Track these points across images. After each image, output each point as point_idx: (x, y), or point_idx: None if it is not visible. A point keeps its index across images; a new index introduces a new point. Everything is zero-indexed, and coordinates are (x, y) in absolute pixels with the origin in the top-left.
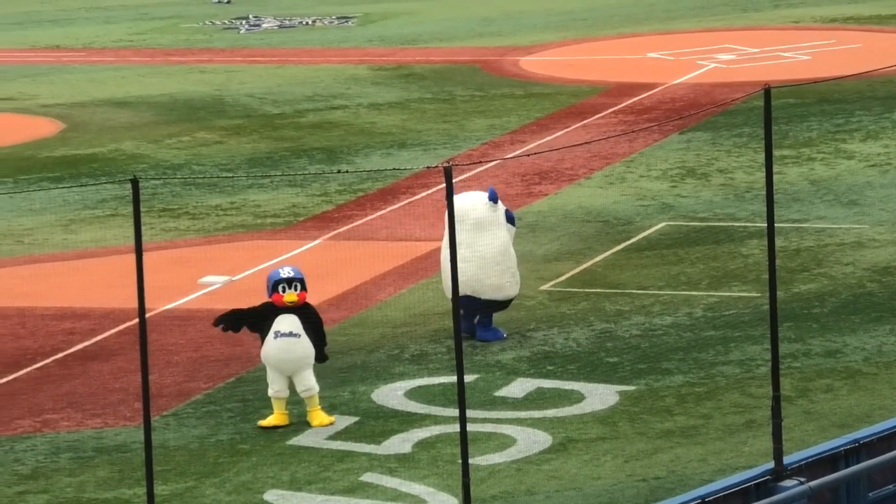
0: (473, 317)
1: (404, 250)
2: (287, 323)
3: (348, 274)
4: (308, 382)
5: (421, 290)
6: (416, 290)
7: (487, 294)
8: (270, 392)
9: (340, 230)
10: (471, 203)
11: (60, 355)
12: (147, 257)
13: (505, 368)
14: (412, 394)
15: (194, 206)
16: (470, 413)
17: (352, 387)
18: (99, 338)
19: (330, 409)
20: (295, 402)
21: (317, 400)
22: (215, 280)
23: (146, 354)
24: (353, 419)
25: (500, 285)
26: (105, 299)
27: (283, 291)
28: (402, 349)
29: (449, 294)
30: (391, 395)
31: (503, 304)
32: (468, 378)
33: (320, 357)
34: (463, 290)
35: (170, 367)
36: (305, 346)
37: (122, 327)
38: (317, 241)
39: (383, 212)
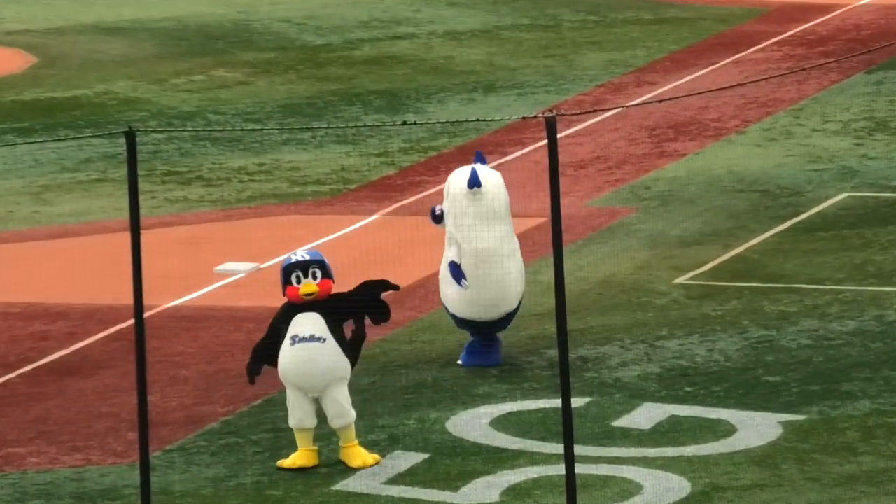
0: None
1: None
2: (306, 324)
3: (415, 260)
4: (339, 406)
5: None
6: None
7: (482, 314)
8: (291, 422)
9: (405, 202)
10: (457, 185)
11: (28, 368)
12: (146, 237)
13: (627, 389)
14: (501, 423)
15: (210, 169)
16: (579, 450)
17: (420, 412)
18: (80, 345)
19: (391, 442)
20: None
21: (353, 432)
22: (237, 268)
23: (144, 367)
24: (422, 456)
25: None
26: (89, 293)
27: (298, 282)
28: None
29: (452, 308)
30: (473, 424)
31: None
32: (578, 402)
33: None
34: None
35: (175, 385)
36: (333, 354)
37: (111, 331)
38: (373, 217)
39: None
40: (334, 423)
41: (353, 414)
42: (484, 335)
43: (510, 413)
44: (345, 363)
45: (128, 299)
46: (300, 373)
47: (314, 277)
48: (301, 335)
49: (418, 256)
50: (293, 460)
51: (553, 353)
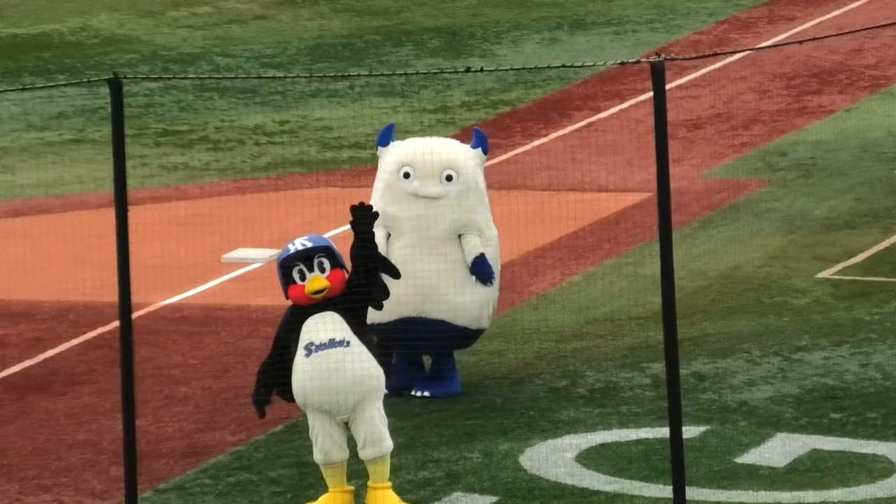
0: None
1: (579, 207)
2: (322, 327)
3: None
4: (373, 429)
5: (607, 276)
6: (599, 277)
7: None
8: (317, 456)
9: None
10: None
11: None
12: (136, 215)
13: (755, 415)
14: (591, 457)
15: (217, 129)
16: (693, 493)
17: (486, 442)
18: (49, 353)
19: (448, 481)
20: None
21: (387, 469)
22: (251, 256)
23: (132, 383)
24: (489, 500)
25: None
26: (60, 287)
27: (302, 278)
28: (573, 378)
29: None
30: (554, 458)
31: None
32: (691, 432)
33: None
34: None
35: (172, 406)
36: (362, 360)
37: (89, 336)
38: None
39: (542, 140)
40: (366, 452)
41: (389, 442)
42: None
43: (603, 445)
44: (377, 370)
45: (111, 295)
46: (322, 389)
47: (321, 270)
48: (317, 342)
49: None
50: None
51: (659, 367)
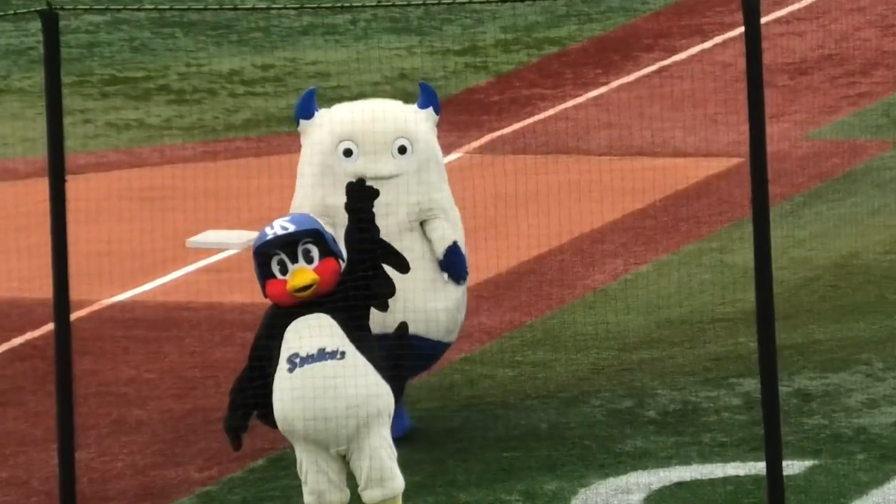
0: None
1: (648, 176)
2: (309, 333)
3: (524, 228)
4: (378, 464)
5: (685, 266)
6: (674, 267)
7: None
8: (308, 498)
9: (505, 131)
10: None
11: None
12: (76, 187)
13: (877, 446)
14: (664, 500)
15: (181, 75)
16: None
17: (528, 481)
18: None
19: None
20: None
21: None
22: (224, 240)
23: (70, 404)
24: None
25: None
26: None
27: (283, 271)
28: (640, 398)
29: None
30: (617, 502)
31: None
32: (794, 467)
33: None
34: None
35: (123, 434)
36: (362, 375)
37: (14, 343)
38: (454, 156)
39: (601, 90)
40: (370, 493)
41: (400, 481)
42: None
43: (679, 485)
44: (383, 389)
45: (44, 291)
46: (311, 414)
47: (308, 260)
48: (304, 353)
49: (525, 220)
50: None
51: (752, 384)
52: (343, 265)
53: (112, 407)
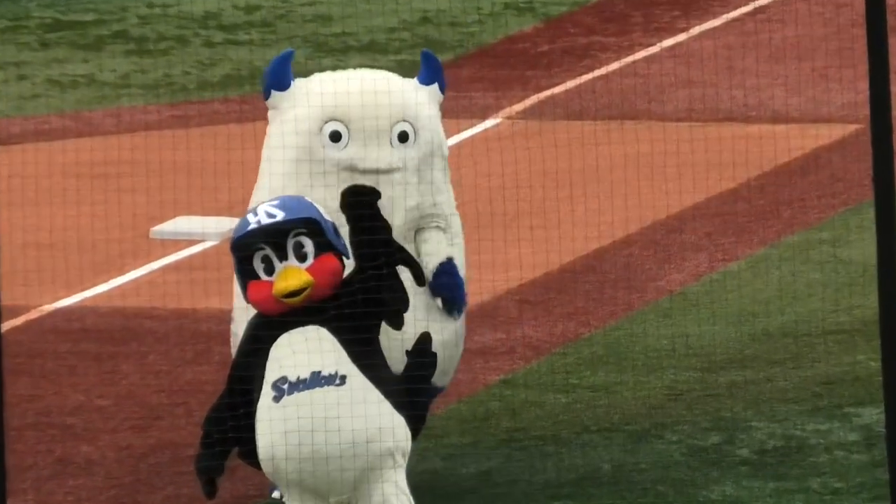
0: None
1: (739, 148)
2: (300, 351)
3: (576, 213)
4: None
5: (787, 263)
6: (773, 263)
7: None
8: None
9: (555, 90)
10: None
11: None
12: (9, 159)
13: None
14: None
15: (142, 18)
16: None
17: None
18: None
19: None
20: None
21: None
22: (197, 229)
23: (2, 438)
24: None
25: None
26: None
27: (268, 271)
28: (731, 432)
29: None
30: None
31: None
32: None
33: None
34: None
35: (69, 476)
36: (374, 406)
37: None
38: (490, 123)
39: (679, 38)
40: None
41: None
42: None
43: None
44: (397, 422)
45: None
46: (303, 454)
47: (300, 257)
48: (293, 377)
49: (587, 205)
50: None
51: (875, 414)
52: (346, 264)
53: (55, 442)
